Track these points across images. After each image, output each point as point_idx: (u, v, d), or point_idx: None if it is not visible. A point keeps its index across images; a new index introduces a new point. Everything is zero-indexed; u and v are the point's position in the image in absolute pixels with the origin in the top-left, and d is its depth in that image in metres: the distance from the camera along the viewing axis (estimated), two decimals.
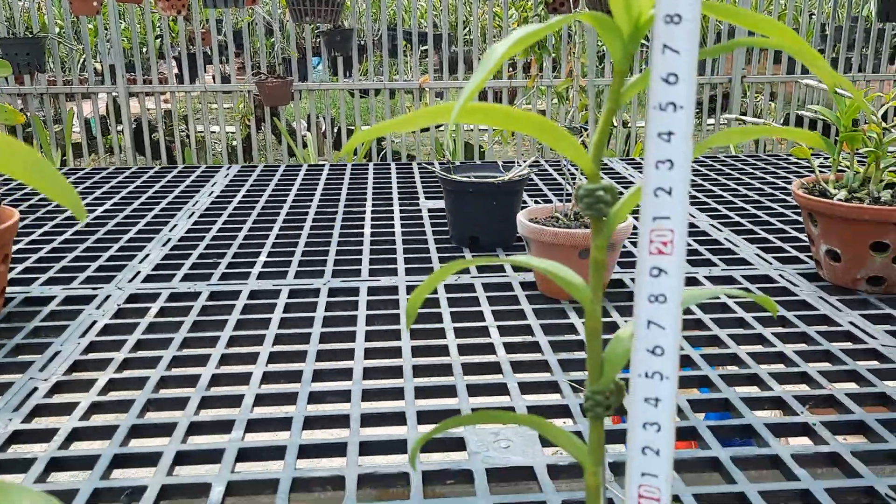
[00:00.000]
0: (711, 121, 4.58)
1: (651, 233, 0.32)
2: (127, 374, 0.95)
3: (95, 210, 1.69)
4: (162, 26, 4.42)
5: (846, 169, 1.22)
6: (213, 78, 4.65)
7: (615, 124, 4.51)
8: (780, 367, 0.95)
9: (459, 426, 0.37)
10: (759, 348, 1.00)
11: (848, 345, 1.00)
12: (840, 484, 0.71)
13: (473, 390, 0.89)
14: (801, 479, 0.71)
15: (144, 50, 5.95)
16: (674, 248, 0.32)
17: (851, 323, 1.06)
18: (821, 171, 1.27)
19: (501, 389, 0.89)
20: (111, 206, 1.73)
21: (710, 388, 0.90)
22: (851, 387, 0.90)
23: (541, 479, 0.72)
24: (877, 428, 0.80)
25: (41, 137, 4.12)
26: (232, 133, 4.99)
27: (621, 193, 0.37)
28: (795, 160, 2.16)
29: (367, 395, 0.88)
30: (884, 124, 1.15)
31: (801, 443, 0.80)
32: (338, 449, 0.77)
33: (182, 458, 0.77)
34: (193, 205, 1.73)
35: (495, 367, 0.94)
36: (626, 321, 1.06)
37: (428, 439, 0.37)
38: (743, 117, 1.24)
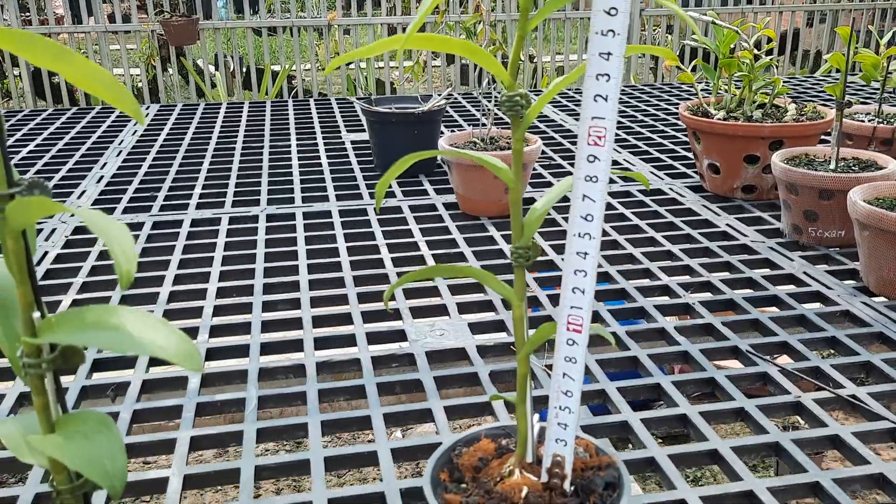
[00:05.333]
0: None
1: (589, 129, 0.43)
2: (88, 295, 1.03)
3: (20, 152, 1.70)
4: None
5: (725, 92, 1.38)
6: (111, 17, 4.50)
7: (522, 59, 4.64)
8: (667, 262, 1.11)
9: (422, 277, 0.49)
10: (650, 249, 1.16)
11: (724, 242, 1.17)
12: (712, 345, 0.87)
13: (409, 293, 1.01)
14: (682, 343, 0.88)
15: None
16: (606, 141, 0.44)
17: (728, 225, 1.24)
18: (704, 95, 1.43)
19: (434, 292, 1.02)
20: (35, 147, 1.74)
21: (610, 282, 1.05)
22: (725, 274, 1.07)
23: (472, 357, 0.86)
24: (743, 304, 0.97)
25: None
26: (137, 75, 4.86)
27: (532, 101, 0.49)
28: (686, 88, 2.34)
29: (315, 301, 1.00)
30: (755, 51, 1.31)
31: (683, 319, 0.96)
32: (295, 345, 0.89)
33: (155, 360, 0.87)
34: (119, 143, 1.76)
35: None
36: (540, 194, 1.20)
37: (402, 284, 0.48)
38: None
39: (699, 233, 1.20)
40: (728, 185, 1.34)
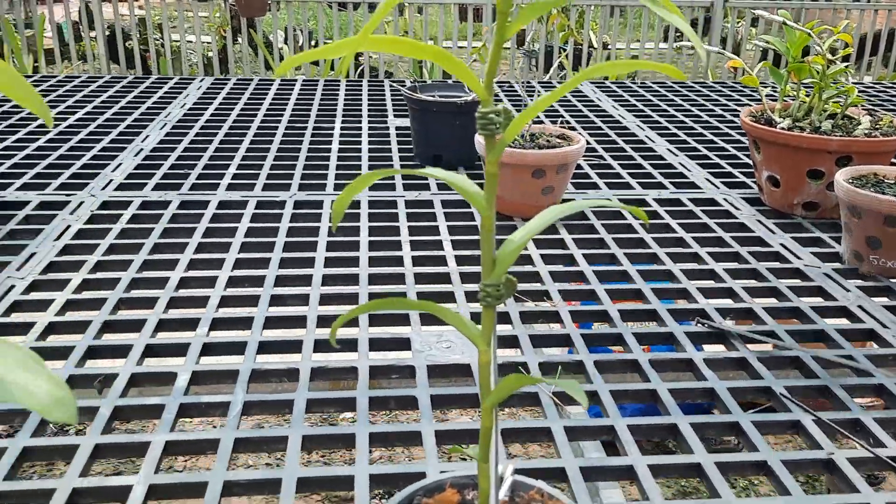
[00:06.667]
0: (683, 43, 4.57)
1: None
2: (100, 275, 1.00)
3: (68, 118, 1.71)
4: None
5: (794, 98, 1.28)
6: None
7: (595, 46, 4.50)
8: (709, 283, 1.02)
9: (374, 310, 0.43)
10: (693, 266, 1.07)
11: (775, 264, 1.08)
12: (742, 384, 0.79)
13: (423, 297, 0.96)
14: (709, 379, 0.80)
15: None
16: None
17: (782, 245, 1.14)
18: (770, 100, 1.33)
19: (449, 298, 0.96)
20: (84, 114, 1.75)
21: (642, 301, 0.98)
22: (771, 302, 0.98)
23: (476, 375, 0.80)
24: (785, 337, 0.88)
25: (12, 42, 4.04)
26: (208, 43, 4.91)
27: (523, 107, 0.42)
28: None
29: (325, 299, 0.95)
30: (829, 56, 1.20)
31: (716, 349, 0.88)
32: (294, 346, 0.85)
33: (151, 351, 0.84)
34: (166, 116, 1.75)
35: (445, 278, 1.01)
36: (582, 196, 1.13)
37: (349, 317, 0.43)
38: (684, 44, 1.28)
39: (749, 251, 1.11)
40: (788, 199, 1.24)
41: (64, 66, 4.82)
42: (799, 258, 1.09)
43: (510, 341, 0.87)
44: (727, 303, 0.98)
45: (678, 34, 5.31)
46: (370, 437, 0.70)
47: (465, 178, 0.42)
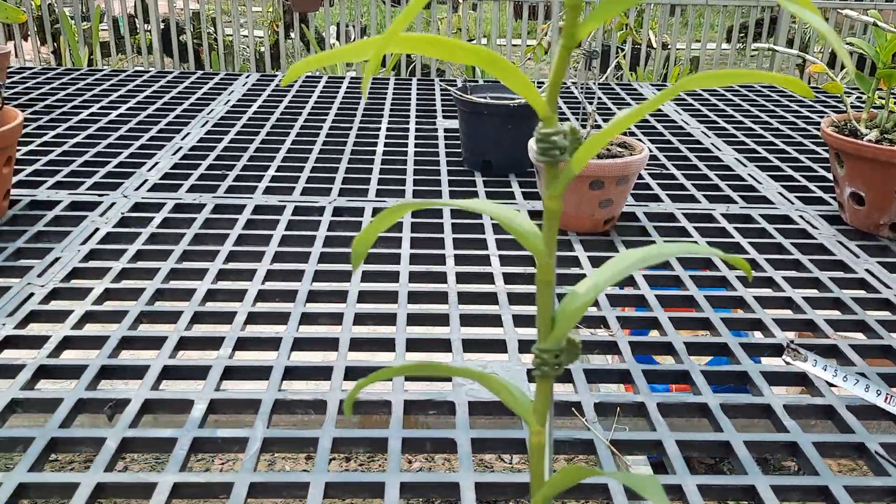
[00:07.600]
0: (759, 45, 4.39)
1: None
2: (124, 284, 0.95)
3: (110, 114, 1.67)
4: None
5: (882, 108, 1.16)
6: None
7: (654, 46, 4.35)
8: (786, 314, 0.92)
9: (390, 377, 0.35)
10: (767, 292, 0.97)
11: (861, 293, 0.97)
12: (830, 438, 0.69)
13: (466, 320, 0.87)
14: (791, 430, 0.70)
15: None
16: None
17: (868, 271, 1.02)
18: (856, 109, 1.21)
19: (495, 321, 0.88)
20: (126, 109, 1.71)
21: (711, 332, 0.88)
22: (858, 338, 0.87)
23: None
24: (876, 381, 0.77)
25: (68, 35, 4.08)
26: (260, 38, 4.91)
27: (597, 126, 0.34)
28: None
29: (360, 318, 0.87)
30: None
31: (797, 391, 0.78)
32: (323, 372, 0.77)
33: (169, 373, 0.77)
34: (208, 113, 1.70)
35: (492, 298, 0.93)
36: (643, 210, 1.03)
37: (370, 383, 0.35)
38: (775, 47, 1.17)
39: (830, 277, 1.00)
40: (873, 219, 1.12)
41: (119, 58, 4.86)
42: (888, 287, 0.98)
43: (562, 375, 0.78)
44: (807, 338, 0.87)
45: (741, 34, 5.11)
46: (401, 487, 0.62)
47: (518, 214, 0.34)
